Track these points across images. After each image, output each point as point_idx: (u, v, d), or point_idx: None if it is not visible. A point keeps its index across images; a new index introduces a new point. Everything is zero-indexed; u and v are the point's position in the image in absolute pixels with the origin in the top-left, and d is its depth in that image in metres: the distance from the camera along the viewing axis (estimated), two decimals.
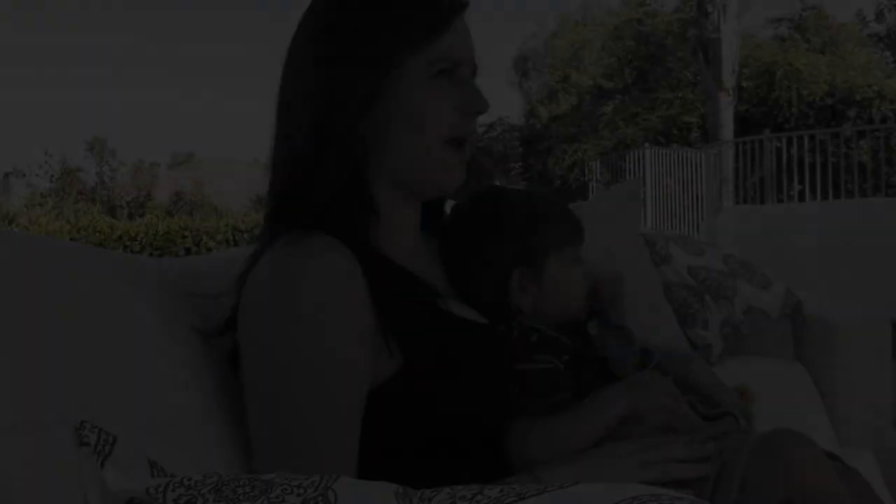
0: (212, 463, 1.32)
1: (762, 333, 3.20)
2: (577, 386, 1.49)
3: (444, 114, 1.41)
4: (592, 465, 1.36)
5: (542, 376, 1.48)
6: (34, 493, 1.08)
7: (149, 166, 32.21)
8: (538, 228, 1.58)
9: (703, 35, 14.36)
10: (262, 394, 1.33)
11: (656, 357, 1.64)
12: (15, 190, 25.07)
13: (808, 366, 3.27)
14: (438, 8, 1.42)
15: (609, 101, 22.37)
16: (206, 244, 14.22)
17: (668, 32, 22.65)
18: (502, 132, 25.00)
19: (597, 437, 1.43)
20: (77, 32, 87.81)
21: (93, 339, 1.28)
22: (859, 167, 13.17)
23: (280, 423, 1.31)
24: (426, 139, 1.42)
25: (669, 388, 1.49)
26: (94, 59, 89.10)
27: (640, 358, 1.62)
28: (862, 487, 1.50)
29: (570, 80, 25.56)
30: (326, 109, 1.39)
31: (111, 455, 1.13)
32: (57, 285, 1.28)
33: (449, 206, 1.68)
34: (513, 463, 1.43)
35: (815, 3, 24.09)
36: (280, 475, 1.10)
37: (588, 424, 1.43)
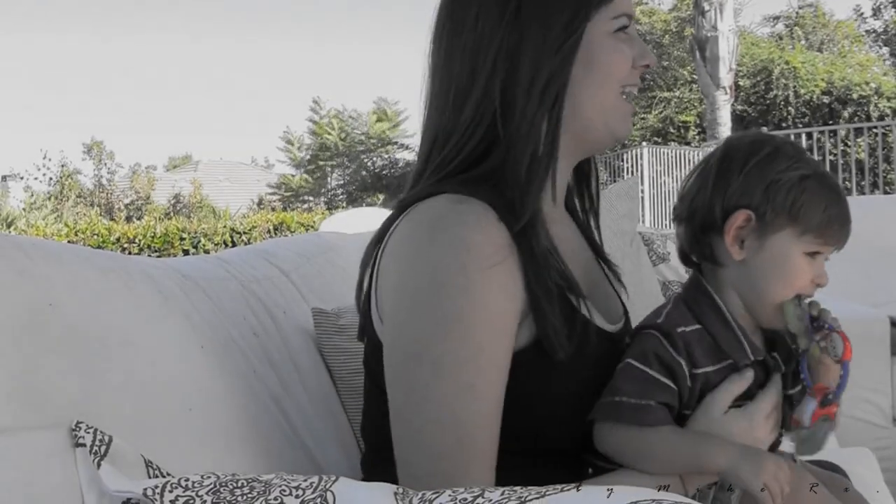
0: (208, 462, 1.32)
1: None
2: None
3: (623, 66, 1.45)
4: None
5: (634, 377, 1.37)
6: (31, 495, 1.08)
7: (145, 169, 32.21)
8: (805, 190, 1.38)
9: (699, 33, 14.35)
10: (405, 380, 1.32)
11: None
12: (13, 192, 25.03)
13: None
14: None
15: None
16: (204, 246, 14.23)
17: (665, 31, 22.67)
18: None
19: (678, 470, 1.35)
20: (72, 33, 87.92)
21: (90, 340, 1.28)
22: (857, 164, 13.19)
23: (427, 417, 1.29)
24: (607, 90, 1.45)
25: (782, 478, 1.29)
26: (93, 59, 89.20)
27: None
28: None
29: None
30: (517, 71, 1.40)
31: (107, 455, 1.13)
32: (53, 287, 1.28)
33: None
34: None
35: (811, 0, 24.12)
36: (279, 476, 1.10)
37: (681, 458, 1.34)
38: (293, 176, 31.20)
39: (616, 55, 1.43)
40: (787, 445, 1.44)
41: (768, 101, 18.04)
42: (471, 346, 1.28)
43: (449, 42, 1.46)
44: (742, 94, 17.98)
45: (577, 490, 0.99)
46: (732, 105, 15.29)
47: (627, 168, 15.50)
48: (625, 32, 1.45)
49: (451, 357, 1.28)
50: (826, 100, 17.59)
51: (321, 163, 29.89)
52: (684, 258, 1.51)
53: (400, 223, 1.38)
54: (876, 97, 17.37)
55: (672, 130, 19.89)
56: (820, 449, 1.39)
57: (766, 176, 1.39)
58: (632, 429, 1.34)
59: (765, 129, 14.15)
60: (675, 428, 1.36)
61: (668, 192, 14.91)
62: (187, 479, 1.07)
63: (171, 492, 1.05)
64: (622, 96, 1.46)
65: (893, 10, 24.38)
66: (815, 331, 1.39)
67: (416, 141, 1.58)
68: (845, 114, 17.11)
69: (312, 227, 14.71)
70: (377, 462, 1.41)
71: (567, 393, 1.37)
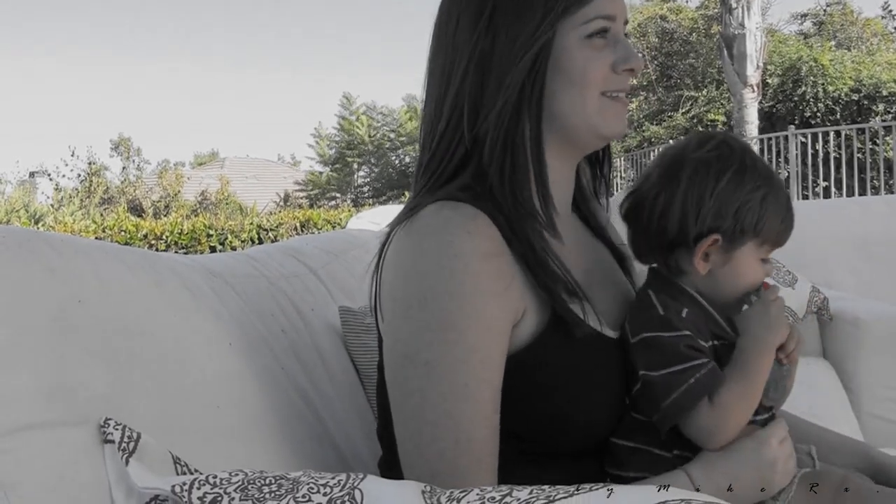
0: (236, 459, 1.32)
1: None
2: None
3: (599, 71, 1.45)
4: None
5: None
6: (59, 491, 1.09)
7: (174, 166, 32.35)
8: (766, 208, 1.48)
9: (727, 31, 14.26)
10: (402, 387, 1.35)
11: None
12: (41, 188, 25.12)
13: (834, 363, 3.24)
14: None
15: (633, 98, 22.31)
16: (231, 243, 14.26)
17: (692, 28, 22.55)
18: None
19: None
20: (100, 29, 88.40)
21: (119, 336, 1.28)
22: (886, 163, 13.08)
23: (425, 419, 1.32)
24: (586, 96, 1.45)
25: (788, 459, 1.44)
26: (117, 55, 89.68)
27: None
28: None
29: None
30: (486, 77, 1.43)
31: (135, 452, 1.13)
32: (82, 284, 1.29)
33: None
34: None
35: None
36: (307, 474, 1.10)
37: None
38: (320, 173, 31.23)
39: (588, 62, 1.44)
40: None
41: (796, 99, 17.91)
42: (462, 348, 1.31)
43: (434, 52, 1.51)
44: (770, 91, 17.85)
45: (609, 490, 0.99)
46: (760, 103, 15.20)
47: None
48: (602, 37, 1.45)
49: (443, 359, 1.31)
50: (855, 97, 17.44)
51: (349, 160, 29.90)
52: (639, 257, 1.58)
53: (395, 234, 1.41)
54: None
55: (700, 129, 19.77)
56: (781, 395, 1.50)
57: (736, 199, 1.46)
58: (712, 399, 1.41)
59: (792, 126, 14.07)
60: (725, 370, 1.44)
61: None
62: (215, 476, 1.08)
63: (199, 489, 1.06)
64: (606, 98, 1.47)
65: None
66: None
67: None
68: (878, 109, 16.96)
69: (339, 224, 14.73)
70: (394, 462, 1.42)
71: (563, 391, 1.39)
